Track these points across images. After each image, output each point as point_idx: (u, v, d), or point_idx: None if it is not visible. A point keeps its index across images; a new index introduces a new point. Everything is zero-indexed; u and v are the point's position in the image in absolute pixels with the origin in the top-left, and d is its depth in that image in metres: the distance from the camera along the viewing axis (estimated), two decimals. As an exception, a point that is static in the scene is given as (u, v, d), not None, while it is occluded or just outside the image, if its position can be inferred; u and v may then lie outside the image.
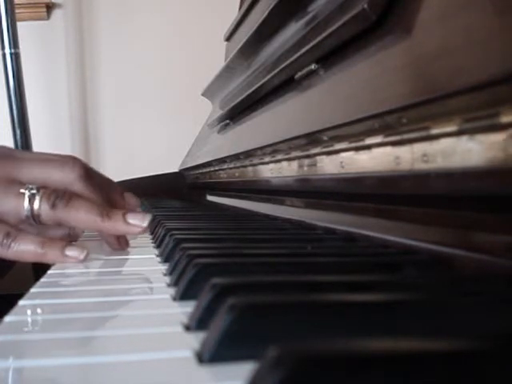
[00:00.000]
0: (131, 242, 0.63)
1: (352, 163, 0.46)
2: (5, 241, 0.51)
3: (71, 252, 0.52)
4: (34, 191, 0.53)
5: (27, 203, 0.53)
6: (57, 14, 2.18)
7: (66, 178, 0.56)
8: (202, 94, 1.53)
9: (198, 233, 0.59)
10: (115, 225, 0.54)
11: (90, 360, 0.24)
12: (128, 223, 0.54)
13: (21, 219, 0.53)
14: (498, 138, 0.28)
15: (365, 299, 0.25)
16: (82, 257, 0.52)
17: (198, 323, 0.28)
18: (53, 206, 0.53)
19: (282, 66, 0.71)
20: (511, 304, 0.25)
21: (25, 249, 0.52)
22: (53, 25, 2.18)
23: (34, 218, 0.53)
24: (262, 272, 0.35)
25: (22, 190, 0.53)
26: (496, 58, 0.28)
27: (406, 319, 0.24)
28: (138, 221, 0.55)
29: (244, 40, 0.99)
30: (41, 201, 0.53)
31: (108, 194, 0.61)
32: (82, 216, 0.54)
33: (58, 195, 0.54)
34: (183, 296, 0.34)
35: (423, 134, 0.34)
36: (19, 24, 1.86)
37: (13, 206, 0.53)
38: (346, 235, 0.50)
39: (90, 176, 0.58)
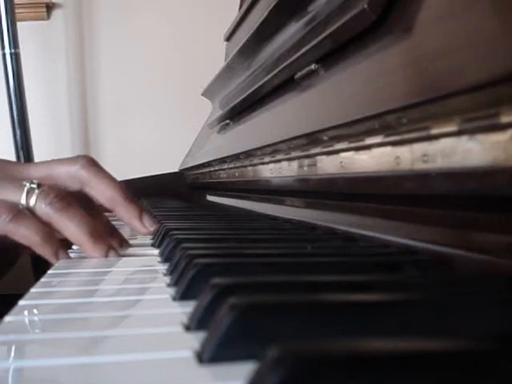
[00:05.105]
0: (131, 242, 0.63)
1: (352, 163, 0.46)
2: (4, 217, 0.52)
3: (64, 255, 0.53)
4: (33, 185, 0.54)
5: (24, 195, 0.54)
6: (57, 14, 2.18)
7: (70, 168, 0.57)
8: (202, 94, 1.53)
9: (198, 233, 0.59)
10: (96, 253, 0.53)
11: (90, 360, 0.24)
12: (107, 257, 0.54)
13: (18, 210, 0.53)
14: (497, 137, 0.28)
15: (365, 299, 0.25)
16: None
17: (198, 323, 0.28)
18: (48, 204, 0.53)
19: (282, 66, 0.71)
20: (511, 304, 0.25)
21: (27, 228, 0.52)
22: (53, 25, 2.18)
23: (29, 211, 0.53)
24: (262, 272, 0.35)
25: (23, 183, 0.54)
26: (496, 58, 0.28)
27: (406, 319, 0.24)
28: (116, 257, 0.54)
29: (244, 40, 0.99)
30: (38, 196, 0.53)
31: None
32: (71, 228, 0.53)
33: (58, 195, 0.54)
34: (183, 296, 0.34)
35: (423, 133, 0.34)
36: (19, 24, 1.86)
37: (11, 197, 0.54)
38: (346, 235, 0.50)
39: (98, 166, 0.59)
